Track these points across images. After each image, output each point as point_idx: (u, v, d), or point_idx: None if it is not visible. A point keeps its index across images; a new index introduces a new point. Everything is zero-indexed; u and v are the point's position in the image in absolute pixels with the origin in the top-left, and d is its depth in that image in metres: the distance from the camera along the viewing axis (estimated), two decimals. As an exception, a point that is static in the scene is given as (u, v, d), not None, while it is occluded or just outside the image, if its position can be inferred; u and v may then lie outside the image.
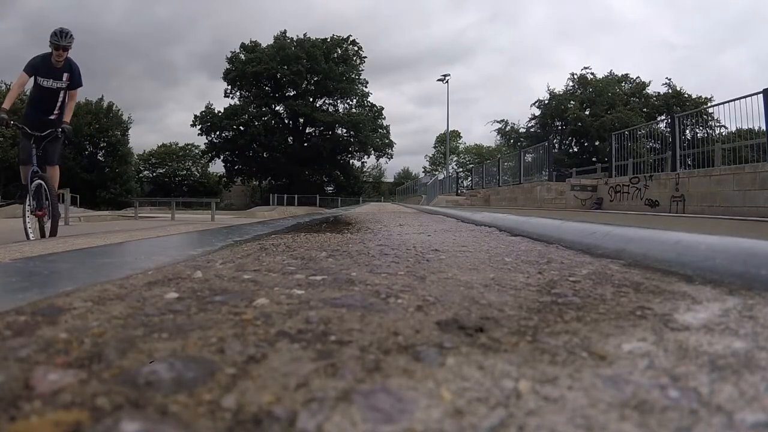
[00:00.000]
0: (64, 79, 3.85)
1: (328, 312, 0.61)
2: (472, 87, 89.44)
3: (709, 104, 25.86)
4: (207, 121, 40.91)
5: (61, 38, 3.73)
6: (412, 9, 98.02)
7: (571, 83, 36.94)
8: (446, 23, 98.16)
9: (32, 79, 3.83)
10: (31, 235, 3.73)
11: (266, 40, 41.82)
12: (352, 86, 43.20)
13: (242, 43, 42.05)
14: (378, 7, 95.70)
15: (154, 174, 49.58)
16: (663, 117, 27.55)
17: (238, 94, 42.38)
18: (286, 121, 43.53)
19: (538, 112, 37.76)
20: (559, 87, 37.22)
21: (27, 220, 3.85)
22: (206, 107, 41.77)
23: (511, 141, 38.68)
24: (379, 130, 44.09)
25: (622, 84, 36.55)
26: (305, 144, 42.72)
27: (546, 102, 37.10)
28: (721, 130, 10.39)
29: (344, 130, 42.64)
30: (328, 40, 42.27)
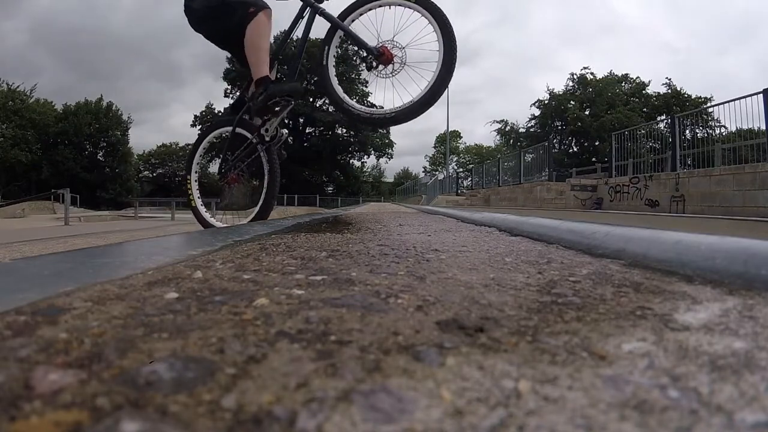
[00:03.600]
0: None
1: (328, 312, 0.61)
2: (476, 89, 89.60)
3: (709, 104, 25.90)
4: (207, 121, 41.01)
5: None
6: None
7: (570, 83, 36.96)
8: (453, 26, 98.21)
9: None
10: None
11: (267, 41, 41.85)
12: (352, 86, 43.17)
13: (242, 43, 42.05)
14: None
15: (155, 174, 49.65)
16: (663, 117, 27.56)
17: (238, 93, 42.43)
18: (286, 121, 43.32)
19: (537, 112, 37.78)
20: (559, 87, 37.31)
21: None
22: (206, 107, 41.98)
23: (511, 141, 38.73)
24: (379, 130, 44.15)
25: (622, 84, 36.56)
26: (305, 144, 42.79)
27: (546, 102, 37.10)
28: (721, 130, 10.39)
29: (344, 130, 42.69)
30: (328, 39, 42.21)
